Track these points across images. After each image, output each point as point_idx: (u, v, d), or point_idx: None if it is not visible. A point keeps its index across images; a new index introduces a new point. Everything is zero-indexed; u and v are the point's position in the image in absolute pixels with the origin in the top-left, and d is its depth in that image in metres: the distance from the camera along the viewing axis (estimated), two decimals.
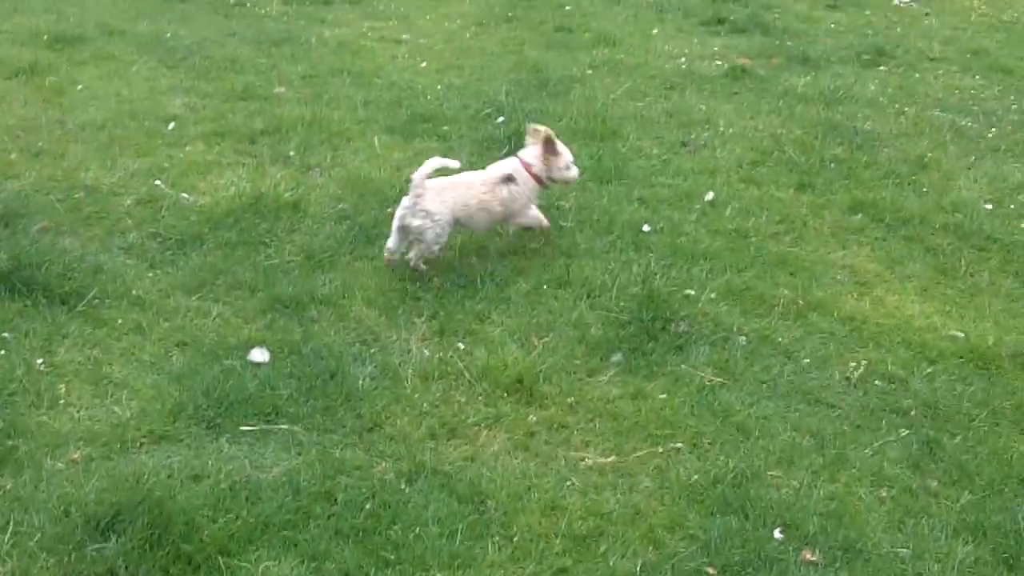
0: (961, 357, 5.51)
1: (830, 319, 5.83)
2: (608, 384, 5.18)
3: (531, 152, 6.45)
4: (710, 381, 5.24)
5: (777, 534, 4.22)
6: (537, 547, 4.12)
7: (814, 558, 4.11)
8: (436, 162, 6.05)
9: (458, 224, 6.23)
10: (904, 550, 4.18)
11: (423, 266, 6.13)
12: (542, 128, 6.41)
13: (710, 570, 3.99)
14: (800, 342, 5.61)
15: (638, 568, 4.00)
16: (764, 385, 5.25)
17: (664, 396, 5.10)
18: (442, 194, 6.13)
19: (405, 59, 10.37)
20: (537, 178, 6.41)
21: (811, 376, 5.33)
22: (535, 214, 6.50)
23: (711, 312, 5.82)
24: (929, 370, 5.39)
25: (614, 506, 4.35)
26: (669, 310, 5.76)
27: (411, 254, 6.11)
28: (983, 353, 5.52)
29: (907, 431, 4.92)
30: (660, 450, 4.73)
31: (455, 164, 6.16)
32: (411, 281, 5.99)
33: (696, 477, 4.54)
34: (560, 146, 6.41)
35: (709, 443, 4.80)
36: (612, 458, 4.67)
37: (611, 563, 4.02)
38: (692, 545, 4.15)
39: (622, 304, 5.84)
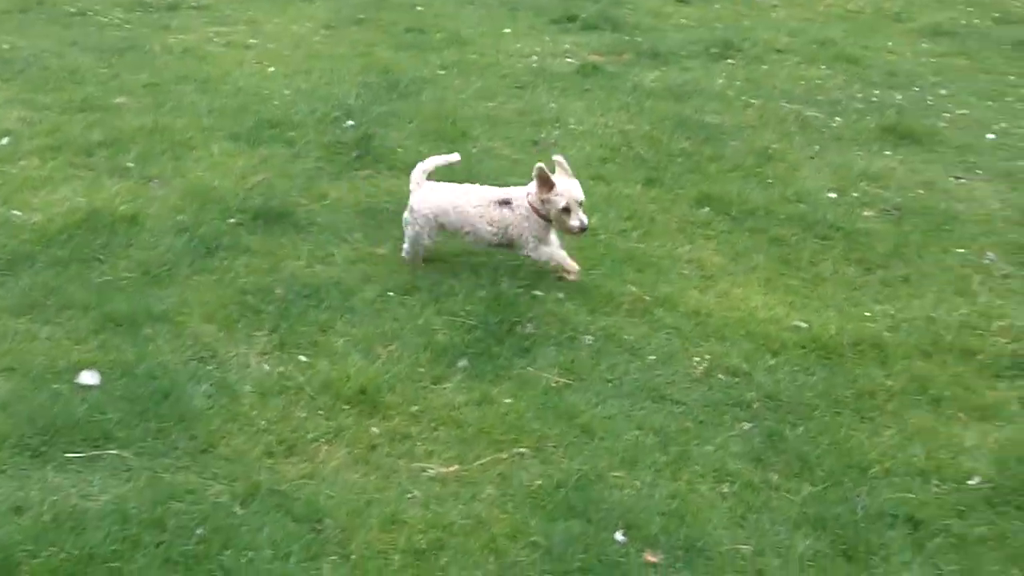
0: (804, 347, 5.56)
1: (676, 314, 5.83)
2: (453, 391, 5.09)
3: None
4: (556, 383, 5.19)
5: (619, 536, 4.18)
6: (376, 564, 4.00)
7: (655, 559, 4.07)
8: (434, 160, 6.20)
9: (444, 229, 6.16)
10: (745, 546, 4.17)
11: (407, 258, 6.26)
12: (550, 162, 5.99)
13: None
14: (646, 339, 5.60)
15: None
16: (610, 384, 5.22)
17: (510, 400, 5.03)
18: (430, 193, 6.15)
19: (252, 64, 10.16)
20: (536, 210, 6.01)
21: (656, 373, 5.32)
22: (547, 251, 6.10)
23: (558, 312, 5.78)
24: (772, 362, 5.42)
25: (456, 517, 4.26)
26: (516, 312, 5.70)
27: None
28: (825, 343, 5.57)
29: (750, 424, 4.93)
30: (504, 456, 4.66)
31: (454, 158, 6.29)
32: (252, 294, 5.84)
33: (540, 482, 4.47)
34: (561, 186, 5.90)
35: (554, 446, 4.74)
36: (455, 467, 4.58)
37: None
38: (534, 553, 4.08)
39: (469, 308, 5.76)
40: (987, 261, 6.58)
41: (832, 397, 5.15)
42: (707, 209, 7.12)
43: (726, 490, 4.50)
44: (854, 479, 4.57)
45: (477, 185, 6.26)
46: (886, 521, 4.33)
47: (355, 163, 7.71)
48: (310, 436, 4.72)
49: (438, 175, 6.32)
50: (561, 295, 5.94)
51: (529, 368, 5.30)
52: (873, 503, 4.42)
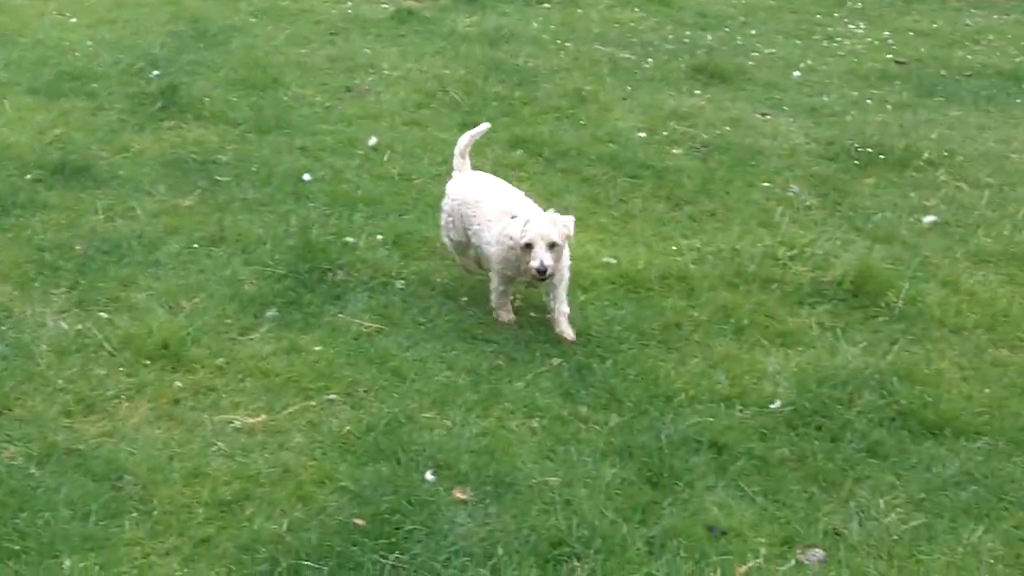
0: (613, 283, 5.63)
1: None
2: (261, 341, 5.00)
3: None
4: (367, 328, 5.14)
5: (429, 476, 4.17)
6: (179, 519, 3.91)
7: (465, 496, 4.08)
8: (467, 137, 5.66)
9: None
10: (554, 478, 4.20)
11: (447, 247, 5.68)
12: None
13: (359, 521, 3.89)
14: (459, 281, 5.59)
15: (284, 528, 3.86)
16: (422, 327, 5.19)
17: (320, 348, 4.97)
18: (461, 183, 5.52)
19: (54, 15, 9.80)
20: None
21: (469, 314, 5.32)
22: (498, 293, 5.28)
23: (370, 258, 5.72)
24: (583, 297, 5.47)
25: (262, 466, 4.18)
26: (327, 260, 5.63)
27: None
28: (634, 277, 5.65)
29: (559, 360, 4.97)
30: (313, 404, 4.60)
31: (483, 127, 5.79)
32: (49, 251, 5.62)
33: (349, 427, 4.43)
34: (528, 226, 4.94)
35: (365, 391, 4.70)
36: (262, 417, 4.50)
37: (256, 526, 3.86)
38: (342, 497, 4.04)
39: (278, 257, 5.66)
40: (791, 194, 6.77)
41: (640, 330, 5.22)
42: (520, 151, 7.15)
43: (536, 425, 4.53)
44: (660, 408, 4.64)
45: (520, 193, 5.45)
46: (691, 447, 4.41)
47: (160, 114, 7.50)
48: (110, 393, 4.58)
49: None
50: (375, 240, 5.88)
51: (340, 315, 5.23)
52: (678, 430, 4.50)
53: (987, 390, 4.89)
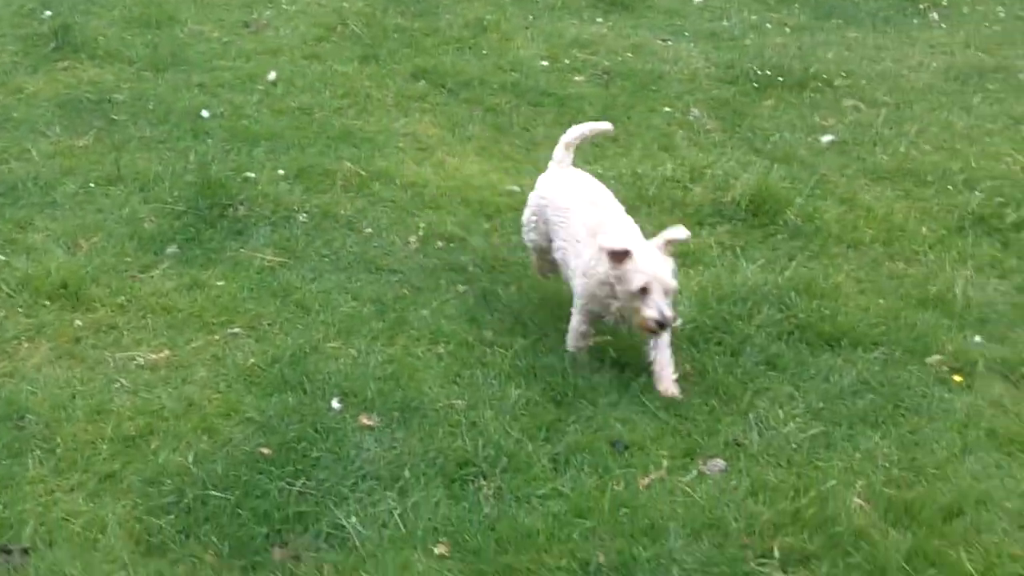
0: (517, 210, 5.57)
1: (393, 187, 5.83)
2: (162, 278, 4.95)
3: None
4: (270, 262, 5.12)
5: (335, 404, 4.18)
6: (83, 455, 3.88)
7: (371, 422, 4.10)
8: (579, 129, 4.98)
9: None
10: (460, 401, 4.24)
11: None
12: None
13: (265, 450, 3.90)
14: (362, 213, 5.58)
15: (190, 460, 3.85)
16: (326, 259, 5.18)
17: (222, 283, 4.94)
18: (553, 181, 4.86)
19: None
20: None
21: (373, 245, 5.32)
22: (577, 334, 4.56)
23: (272, 193, 5.68)
24: (487, 226, 5.50)
25: (166, 401, 4.16)
26: (227, 195, 5.57)
27: None
28: None
29: (465, 287, 5.00)
30: (217, 338, 4.58)
31: (605, 126, 5.12)
32: None
33: (253, 360, 4.42)
34: (643, 261, 4.21)
35: (269, 324, 4.69)
36: (165, 353, 4.47)
37: (161, 460, 3.85)
38: (248, 428, 4.04)
39: (177, 194, 5.60)
40: (692, 118, 6.84)
41: None
42: (423, 83, 7.12)
43: (441, 351, 4.56)
44: (564, 330, 4.68)
45: (620, 208, 4.71)
46: (593, 366, 4.47)
47: (53, 54, 7.32)
48: (9, 335, 4.52)
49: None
50: (275, 175, 5.84)
51: (242, 250, 5.20)
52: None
53: (883, 301, 5.02)
